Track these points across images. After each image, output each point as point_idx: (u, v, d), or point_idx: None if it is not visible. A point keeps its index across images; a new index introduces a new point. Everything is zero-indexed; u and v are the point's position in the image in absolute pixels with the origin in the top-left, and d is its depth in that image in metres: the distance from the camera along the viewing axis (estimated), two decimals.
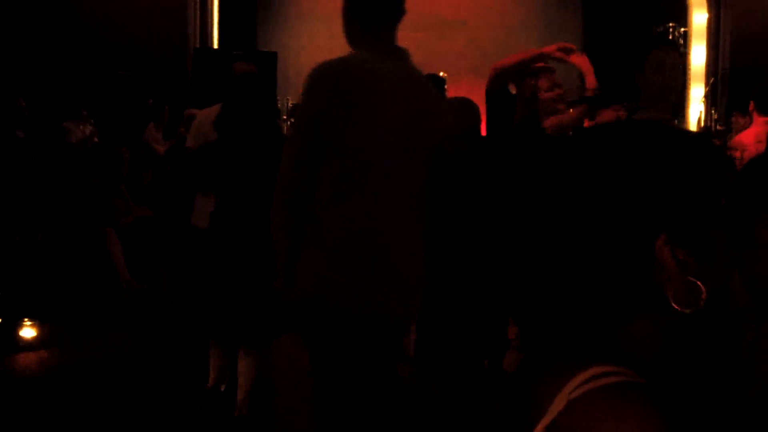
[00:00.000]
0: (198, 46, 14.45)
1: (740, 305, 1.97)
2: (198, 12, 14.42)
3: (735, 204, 1.97)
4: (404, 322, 3.02)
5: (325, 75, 3.01)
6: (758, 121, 6.50)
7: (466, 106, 4.37)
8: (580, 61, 4.68)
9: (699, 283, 1.11)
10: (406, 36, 13.71)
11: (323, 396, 3.05)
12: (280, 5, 16.78)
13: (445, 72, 12.11)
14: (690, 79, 13.96)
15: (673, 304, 1.11)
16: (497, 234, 1.23)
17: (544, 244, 1.17)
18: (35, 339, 3.56)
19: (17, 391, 3.28)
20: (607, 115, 5.22)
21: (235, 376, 4.74)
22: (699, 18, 14.24)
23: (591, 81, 4.33)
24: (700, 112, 13.16)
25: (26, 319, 3.62)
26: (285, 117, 13.67)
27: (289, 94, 13.83)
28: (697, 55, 14.19)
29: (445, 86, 6.52)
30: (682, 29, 14.46)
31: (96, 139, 10.08)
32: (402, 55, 3.16)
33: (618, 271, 1.13)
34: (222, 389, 4.85)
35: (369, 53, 3.03)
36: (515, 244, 1.20)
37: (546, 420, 1.12)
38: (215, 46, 15.34)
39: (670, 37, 14.44)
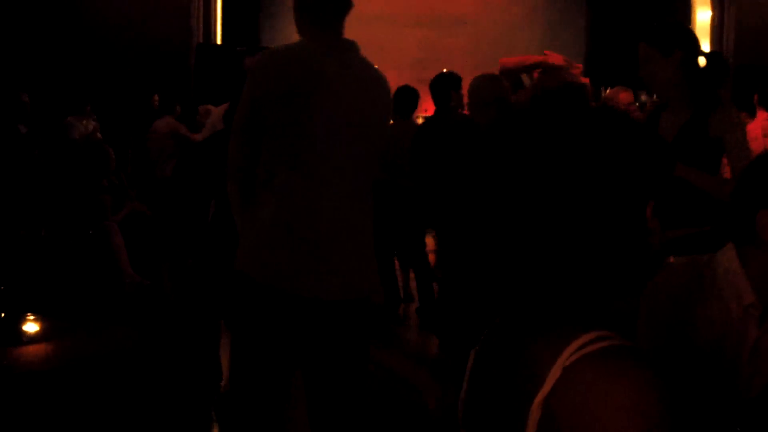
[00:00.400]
0: (201, 41, 14.45)
1: None
2: (201, 8, 14.41)
3: (739, 201, 1.97)
4: (345, 302, 3.04)
5: (269, 60, 3.10)
6: (763, 115, 6.54)
7: (494, 79, 4.57)
8: (575, 73, 5.00)
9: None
10: (408, 33, 13.77)
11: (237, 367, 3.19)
12: (283, 2, 16.78)
13: (447, 69, 12.11)
14: None
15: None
16: (513, 205, 1.27)
17: (561, 218, 1.22)
18: (38, 333, 3.56)
19: (19, 384, 3.28)
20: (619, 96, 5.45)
21: None
22: (703, 15, 14.21)
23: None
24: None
25: (29, 314, 3.62)
26: None
27: None
28: None
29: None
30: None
31: (99, 135, 10.07)
32: (349, 47, 3.19)
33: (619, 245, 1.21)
34: None
35: (315, 44, 3.11)
36: (530, 216, 1.25)
37: (545, 389, 1.16)
38: (218, 42, 15.34)
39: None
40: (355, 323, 3.10)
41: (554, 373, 1.16)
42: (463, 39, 16.17)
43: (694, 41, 3.81)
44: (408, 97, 7.73)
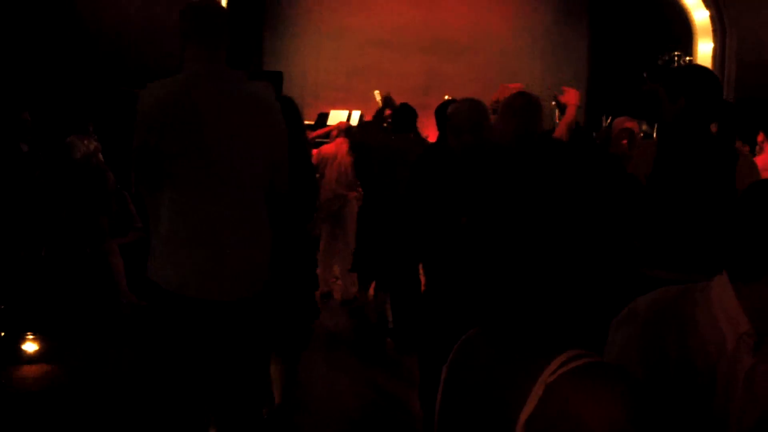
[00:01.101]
0: None
1: None
2: None
3: (742, 235, 1.97)
4: (245, 299, 3.44)
5: (149, 96, 3.43)
6: None
7: (474, 104, 4.51)
8: (572, 95, 5.21)
9: None
10: (412, 59, 13.84)
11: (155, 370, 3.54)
12: (286, 25, 16.84)
13: (450, 95, 12.14)
14: None
15: None
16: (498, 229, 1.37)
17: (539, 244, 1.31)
18: (37, 353, 3.55)
19: (18, 403, 3.27)
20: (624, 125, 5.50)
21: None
22: (704, 47, 14.27)
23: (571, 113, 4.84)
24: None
25: (29, 333, 3.61)
26: None
27: None
28: None
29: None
30: (688, 58, 14.50)
31: (100, 155, 10.07)
32: (230, 74, 3.50)
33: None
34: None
35: (197, 74, 3.45)
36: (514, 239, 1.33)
37: (528, 408, 1.20)
38: None
39: (675, 65, 14.49)
40: (252, 318, 3.50)
41: (536, 391, 1.20)
42: (466, 66, 16.22)
43: (702, 89, 3.81)
44: (405, 114, 8.04)
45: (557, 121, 14.54)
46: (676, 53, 14.54)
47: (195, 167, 3.33)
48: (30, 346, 3.55)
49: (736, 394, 1.97)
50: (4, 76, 10.21)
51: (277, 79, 13.99)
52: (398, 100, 10.57)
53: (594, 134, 11.50)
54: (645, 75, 14.33)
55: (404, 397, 5.74)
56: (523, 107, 4.66)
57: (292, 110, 4.71)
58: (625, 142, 5.87)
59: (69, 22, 11.84)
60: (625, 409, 1.15)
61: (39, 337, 3.62)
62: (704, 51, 14.27)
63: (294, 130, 4.40)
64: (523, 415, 1.20)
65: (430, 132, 15.01)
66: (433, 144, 6.38)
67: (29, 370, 3.46)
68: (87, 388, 3.40)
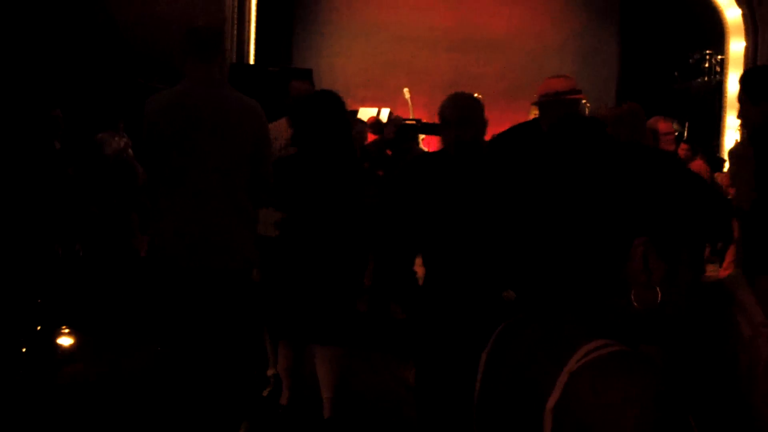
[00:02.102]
0: (234, 61, 14.55)
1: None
2: (235, 27, 14.52)
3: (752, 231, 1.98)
4: (227, 271, 4.22)
5: (155, 103, 4.23)
6: None
7: (462, 98, 4.43)
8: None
9: (658, 288, 1.27)
10: (442, 57, 13.81)
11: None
12: (316, 22, 16.88)
13: (479, 94, 12.12)
14: (726, 106, 13.89)
15: (632, 298, 1.28)
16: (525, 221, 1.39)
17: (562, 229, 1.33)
18: (72, 347, 3.59)
19: (52, 396, 3.31)
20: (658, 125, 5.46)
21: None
22: (736, 46, 14.18)
23: None
24: (736, 140, 13.09)
25: (64, 327, 3.65)
26: None
27: None
28: (734, 83, 14.11)
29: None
30: (719, 57, 14.41)
31: (131, 152, 10.15)
32: (219, 82, 4.32)
33: (602, 261, 1.30)
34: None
35: (194, 83, 4.23)
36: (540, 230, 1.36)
37: (554, 396, 1.23)
38: (251, 61, 15.43)
39: (707, 65, 14.41)
40: (236, 288, 4.26)
41: (562, 380, 1.23)
42: (495, 64, 16.20)
43: None
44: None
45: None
46: (707, 52, 14.46)
47: (189, 159, 4.13)
48: (65, 341, 3.59)
49: (757, 385, 1.97)
50: (35, 74, 10.29)
51: (306, 76, 14.03)
52: (427, 97, 10.57)
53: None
54: (676, 74, 14.26)
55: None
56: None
57: (333, 104, 4.91)
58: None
59: (100, 20, 11.93)
60: (649, 400, 1.17)
61: (74, 331, 3.66)
62: (736, 50, 14.17)
63: (336, 123, 4.84)
64: (550, 403, 1.23)
65: None
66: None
67: (64, 364, 3.50)
68: (120, 383, 3.44)
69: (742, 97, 3.94)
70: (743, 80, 4.03)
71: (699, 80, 14.65)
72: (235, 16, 14.48)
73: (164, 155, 4.15)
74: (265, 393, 5.58)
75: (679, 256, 1.31)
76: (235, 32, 14.58)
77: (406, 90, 13.76)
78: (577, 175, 1.32)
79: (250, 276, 4.48)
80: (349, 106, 8.27)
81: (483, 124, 4.25)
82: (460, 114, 4.11)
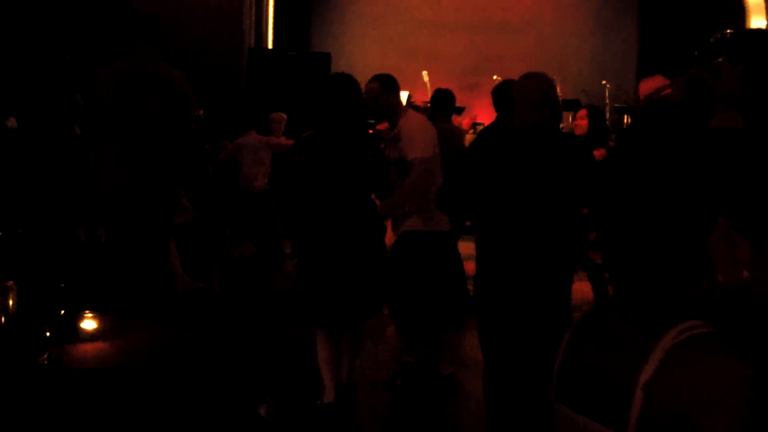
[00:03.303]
0: (253, 46, 14.56)
1: None
2: (253, 12, 14.53)
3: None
4: (148, 197, 5.36)
5: (99, 74, 5.40)
6: None
7: (541, 78, 4.36)
8: None
9: (742, 266, 1.32)
10: (462, 39, 13.74)
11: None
12: (335, 7, 16.87)
13: (498, 76, 12.06)
14: None
15: (719, 275, 1.33)
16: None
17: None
18: (96, 330, 3.61)
19: (75, 380, 3.33)
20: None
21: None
22: (757, 24, 14.06)
23: None
24: None
25: (87, 311, 3.67)
26: None
27: None
28: None
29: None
30: None
31: None
32: (153, 56, 5.45)
33: (691, 240, 1.34)
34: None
35: (134, 58, 5.42)
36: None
37: (647, 372, 1.27)
38: (270, 46, 15.43)
39: None
40: (158, 208, 5.47)
41: (656, 356, 1.27)
42: (514, 46, 16.14)
43: (762, 52, 3.73)
44: (443, 98, 7.94)
45: (606, 101, 14.35)
46: (728, 31, 14.33)
47: (126, 119, 5.28)
48: (89, 324, 3.61)
49: None
50: (54, 58, 10.33)
51: (325, 60, 14.04)
52: (447, 80, 10.55)
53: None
54: (696, 53, 14.13)
55: (458, 376, 5.76)
56: None
57: (349, 86, 5.11)
58: None
59: (118, 6, 11.94)
60: (746, 381, 1.19)
61: (98, 315, 3.68)
62: (757, 27, 14.04)
63: (351, 105, 5.04)
64: (643, 378, 1.26)
65: (479, 113, 15.02)
66: (489, 126, 6.30)
67: (87, 348, 3.52)
68: (149, 368, 3.46)
69: (723, 58, 3.84)
70: (725, 41, 3.93)
71: (719, 60, 14.53)
72: (254, 0, 14.49)
73: (107, 115, 5.31)
74: (398, 381, 5.74)
75: (763, 235, 1.32)
76: (254, 17, 14.59)
77: (424, 73, 13.73)
78: (669, 159, 1.34)
79: (166, 207, 5.65)
80: None
81: (556, 104, 4.25)
82: (534, 93, 4.09)
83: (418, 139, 5.22)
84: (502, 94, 5.68)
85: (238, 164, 10.03)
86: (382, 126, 8.74)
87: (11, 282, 3.51)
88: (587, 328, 1.47)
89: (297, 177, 5.10)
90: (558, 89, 5.31)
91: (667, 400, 1.23)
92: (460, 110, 11.84)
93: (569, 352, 1.47)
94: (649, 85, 5.36)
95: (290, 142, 10.35)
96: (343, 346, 5.20)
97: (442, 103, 7.91)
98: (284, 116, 10.98)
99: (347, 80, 5.11)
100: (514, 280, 4.06)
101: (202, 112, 11.34)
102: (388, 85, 5.49)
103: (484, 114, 13.18)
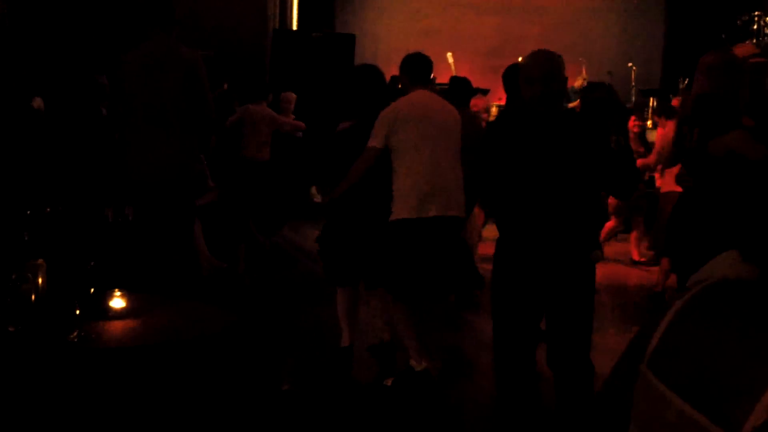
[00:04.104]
0: (277, 27, 14.56)
1: None
2: None
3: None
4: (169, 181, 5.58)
5: (125, 57, 5.71)
6: None
7: (546, 54, 4.32)
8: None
9: None
10: (485, 20, 13.68)
11: None
12: None
13: (523, 58, 12.00)
14: None
15: None
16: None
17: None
18: (123, 309, 3.65)
19: (104, 358, 3.37)
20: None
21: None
22: None
23: None
24: None
25: (116, 290, 3.70)
26: None
27: None
28: None
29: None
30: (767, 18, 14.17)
31: None
32: (164, 41, 5.65)
33: None
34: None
35: (155, 42, 5.64)
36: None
37: None
38: (294, 27, 15.43)
39: (755, 27, 14.17)
40: (181, 189, 5.65)
41: None
42: (539, 27, 16.06)
43: None
44: (459, 86, 7.90)
45: (633, 84, 14.26)
46: (756, 13, 14.21)
47: (148, 103, 5.51)
48: (118, 302, 3.65)
49: None
50: (79, 40, 10.38)
51: (349, 42, 14.03)
52: (471, 61, 10.55)
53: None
54: (723, 36, 14.03)
55: (474, 356, 5.77)
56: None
57: (370, 77, 5.65)
58: None
59: None
60: None
61: (126, 293, 3.71)
62: None
63: (374, 96, 5.50)
64: (758, 418, 1.17)
65: (503, 95, 14.96)
66: (502, 110, 6.33)
67: (116, 326, 3.56)
68: (172, 344, 3.50)
69: None
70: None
71: (747, 42, 14.43)
72: None
73: (131, 99, 5.61)
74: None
75: None
76: None
77: (449, 54, 13.70)
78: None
79: (189, 188, 5.79)
80: (393, 72, 8.25)
81: (565, 81, 4.24)
82: (544, 70, 4.09)
83: (375, 127, 5.26)
84: (509, 77, 5.71)
85: (242, 128, 10.10)
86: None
87: (41, 260, 3.56)
88: (703, 304, 1.39)
89: (335, 168, 5.51)
90: (584, 72, 5.30)
91: None
92: (485, 92, 11.82)
93: (678, 323, 1.37)
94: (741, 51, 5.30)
95: (299, 123, 10.39)
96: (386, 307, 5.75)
97: (458, 92, 7.87)
98: (294, 96, 10.99)
99: (374, 71, 5.71)
100: (536, 259, 4.06)
101: (226, 86, 11.39)
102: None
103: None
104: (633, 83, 14.42)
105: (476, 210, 7.22)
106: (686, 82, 12.27)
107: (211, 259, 7.66)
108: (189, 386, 3.58)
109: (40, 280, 3.49)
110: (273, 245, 9.59)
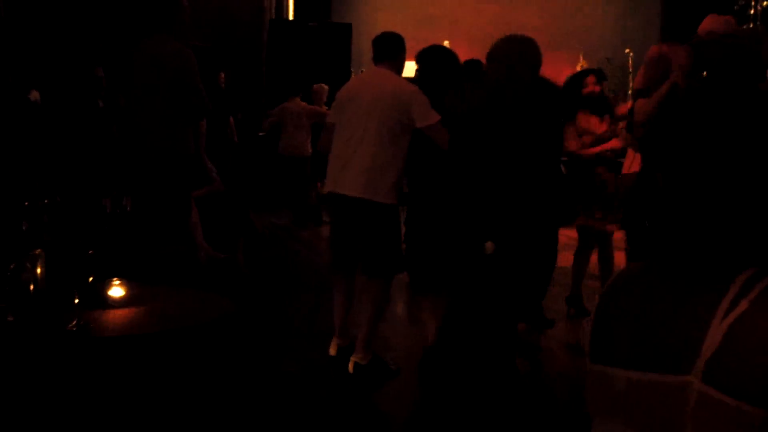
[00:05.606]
0: (273, 17, 14.54)
1: None
2: None
3: None
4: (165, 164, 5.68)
5: (131, 53, 5.90)
6: None
7: (512, 38, 4.69)
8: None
9: None
10: (482, 8, 13.60)
11: None
12: None
13: None
14: None
15: None
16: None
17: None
18: (123, 297, 3.66)
19: (103, 346, 3.39)
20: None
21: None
22: None
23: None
24: None
25: (115, 278, 3.71)
26: None
27: (363, 66, 13.83)
28: None
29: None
30: (765, 2, 14.15)
31: None
32: (162, 37, 5.74)
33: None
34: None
35: (153, 38, 5.77)
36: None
37: (711, 344, 1.20)
38: (291, 17, 15.40)
39: (752, 11, 14.15)
40: (173, 179, 5.73)
41: (717, 326, 1.20)
42: (537, 13, 16.02)
43: None
44: (475, 69, 7.84)
45: (630, 70, 14.23)
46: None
47: (142, 96, 5.70)
48: (116, 291, 3.66)
49: None
50: (76, 33, 10.36)
51: (346, 31, 14.01)
52: (468, 49, 10.49)
53: None
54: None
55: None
56: None
57: (438, 59, 5.51)
58: None
59: None
60: None
61: (125, 282, 3.72)
62: None
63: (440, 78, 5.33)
64: (707, 351, 1.20)
65: None
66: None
67: (115, 315, 3.57)
68: (171, 333, 3.51)
69: None
70: None
71: (744, 27, 14.40)
72: None
73: (128, 92, 6.00)
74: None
75: None
76: None
77: (446, 43, 13.67)
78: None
79: (181, 178, 5.80)
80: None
81: (537, 63, 4.28)
82: (510, 51, 4.13)
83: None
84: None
85: (283, 128, 10.11)
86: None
87: (40, 250, 3.56)
88: (619, 295, 1.42)
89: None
90: (581, 58, 5.30)
91: (749, 343, 1.17)
92: None
93: (603, 314, 1.43)
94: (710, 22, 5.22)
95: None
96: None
97: (474, 74, 7.82)
98: (326, 87, 11.06)
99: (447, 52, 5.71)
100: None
101: (223, 75, 11.39)
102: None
103: None
104: (630, 69, 14.39)
105: None
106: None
107: (208, 249, 7.66)
108: (188, 374, 3.59)
109: (39, 270, 3.50)
110: (272, 235, 9.59)
